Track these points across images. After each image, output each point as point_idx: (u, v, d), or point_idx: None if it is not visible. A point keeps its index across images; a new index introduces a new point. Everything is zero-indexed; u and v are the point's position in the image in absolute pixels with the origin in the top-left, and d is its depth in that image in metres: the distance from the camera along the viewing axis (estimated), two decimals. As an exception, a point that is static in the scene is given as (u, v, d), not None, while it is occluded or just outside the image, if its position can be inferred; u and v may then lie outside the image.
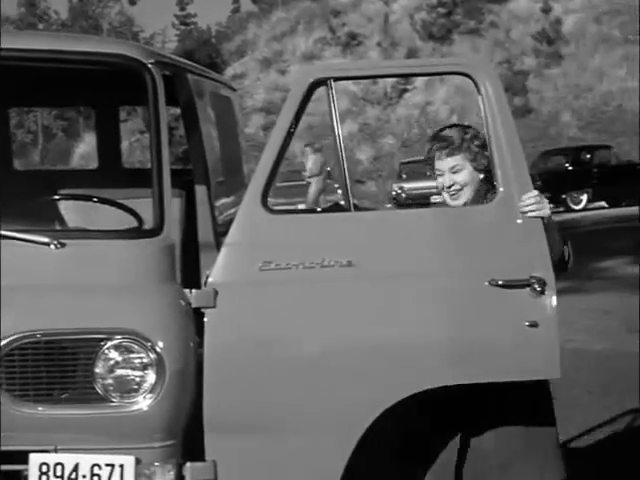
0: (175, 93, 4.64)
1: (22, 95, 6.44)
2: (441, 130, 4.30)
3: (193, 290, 3.94)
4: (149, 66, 4.15)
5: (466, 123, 4.32)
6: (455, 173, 4.18)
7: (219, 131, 5.66)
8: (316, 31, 41.96)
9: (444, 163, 4.20)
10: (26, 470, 3.81)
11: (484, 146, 4.09)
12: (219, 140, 5.61)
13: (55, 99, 7.38)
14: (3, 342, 3.76)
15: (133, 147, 33.27)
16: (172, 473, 3.85)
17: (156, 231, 3.96)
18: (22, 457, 3.81)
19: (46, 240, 3.84)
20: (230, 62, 42.71)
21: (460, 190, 4.18)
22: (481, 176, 4.19)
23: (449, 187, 4.19)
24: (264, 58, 41.36)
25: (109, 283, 3.85)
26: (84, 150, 34.92)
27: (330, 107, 4.16)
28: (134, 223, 4.44)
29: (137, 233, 4.18)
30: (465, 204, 4.18)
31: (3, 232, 3.88)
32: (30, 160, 31.94)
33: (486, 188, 4.19)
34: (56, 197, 5.44)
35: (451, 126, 4.30)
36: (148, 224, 4.11)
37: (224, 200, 5.43)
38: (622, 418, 6.95)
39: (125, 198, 4.94)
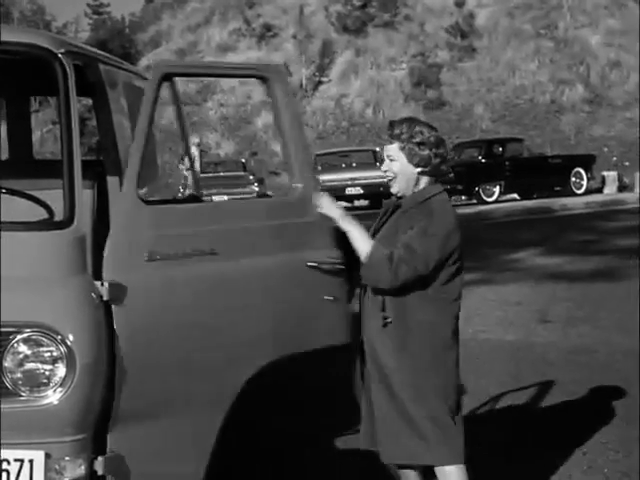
0: (87, 83, 4.58)
1: None
2: (401, 119, 4.46)
3: (105, 282, 3.90)
4: (59, 56, 4.09)
5: (424, 121, 4.44)
6: (392, 161, 4.34)
7: (132, 122, 5.61)
8: (231, 22, 41.78)
9: (385, 149, 4.39)
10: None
11: (422, 144, 4.28)
12: (132, 131, 5.56)
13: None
14: None
15: (45, 138, 32.82)
16: (83, 467, 3.81)
17: (66, 223, 3.91)
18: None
19: (-47, 232, 3.76)
20: (144, 52, 42.33)
21: (393, 179, 4.35)
22: (416, 171, 4.31)
23: (385, 172, 4.38)
24: (178, 49, 41.07)
25: (18, 275, 3.78)
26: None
27: (175, 99, 4.23)
28: (45, 215, 4.37)
29: (47, 225, 4.12)
30: (397, 193, 4.38)
31: None
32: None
33: (425, 186, 4.37)
34: (-36, 188, 5.34)
35: (408, 119, 4.44)
36: (59, 216, 4.05)
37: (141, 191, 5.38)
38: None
39: (36, 189, 4.86)
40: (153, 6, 46.27)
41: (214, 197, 27.86)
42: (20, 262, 3.82)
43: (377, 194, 27.89)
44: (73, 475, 3.79)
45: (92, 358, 3.74)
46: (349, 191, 27.92)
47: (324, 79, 38.85)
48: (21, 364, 3.71)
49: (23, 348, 3.71)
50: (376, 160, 29.45)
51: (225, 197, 27.90)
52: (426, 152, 4.29)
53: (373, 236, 4.36)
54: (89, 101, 5.07)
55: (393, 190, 4.40)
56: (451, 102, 38.07)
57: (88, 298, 3.81)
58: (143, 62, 39.93)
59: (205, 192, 27.57)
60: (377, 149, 30.53)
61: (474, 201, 28.44)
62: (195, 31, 42.24)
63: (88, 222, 4.00)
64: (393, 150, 4.35)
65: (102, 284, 3.88)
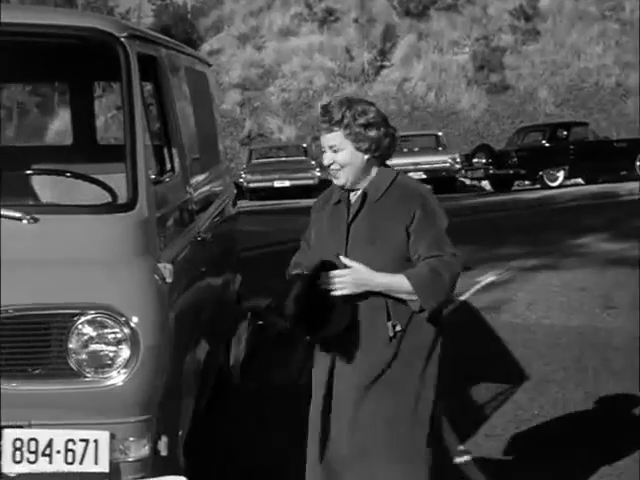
0: (149, 68, 4.61)
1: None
2: (329, 103, 3.79)
3: (167, 265, 3.93)
4: (122, 40, 4.12)
5: (358, 98, 3.80)
6: (335, 152, 3.70)
7: (194, 107, 5.63)
8: (293, 7, 41.69)
9: (324, 139, 3.72)
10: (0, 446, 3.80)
11: (369, 125, 3.66)
12: (194, 116, 5.58)
13: (29, 74, 7.33)
14: (-24, 317, 3.73)
15: (109, 124, 33.11)
16: (147, 448, 3.85)
17: (130, 205, 3.94)
18: (-4, 433, 3.80)
19: (19, 215, 3.81)
20: (206, 38, 42.45)
21: (339, 170, 3.71)
22: (366, 157, 3.70)
23: (328, 166, 3.73)
24: (240, 34, 41.10)
25: (83, 258, 3.83)
26: (58, 126, 34.66)
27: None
28: (109, 198, 4.41)
29: (111, 208, 4.15)
30: (345, 184, 3.74)
31: (-24, 207, 3.86)
32: (4, 136, 31.69)
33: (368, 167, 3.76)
34: (29, 172, 5.41)
35: (344, 99, 3.76)
36: (123, 199, 4.09)
37: (199, 176, 5.41)
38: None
39: (100, 173, 4.91)
40: (216, -9, 46.42)
41: (275, 182, 27.96)
42: (84, 244, 3.86)
43: (440, 179, 27.78)
44: (137, 455, 3.83)
45: (156, 340, 3.77)
46: (412, 175, 27.78)
47: (386, 63, 38.64)
48: (86, 346, 3.75)
49: (88, 330, 3.75)
50: (439, 144, 29.31)
51: (287, 182, 27.97)
52: (374, 133, 3.67)
53: (347, 234, 3.72)
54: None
55: (340, 182, 3.74)
56: (514, 86, 37.68)
57: (151, 280, 3.84)
58: (205, 47, 40.04)
59: (266, 177, 27.69)
60: (440, 133, 30.39)
61: (537, 186, 28.16)
62: (257, 16, 42.24)
63: (151, 205, 4.02)
64: (336, 139, 3.68)
65: (164, 266, 3.91)
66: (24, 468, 3.77)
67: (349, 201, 3.76)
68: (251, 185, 27.71)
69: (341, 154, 3.68)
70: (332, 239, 3.74)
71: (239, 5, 43.60)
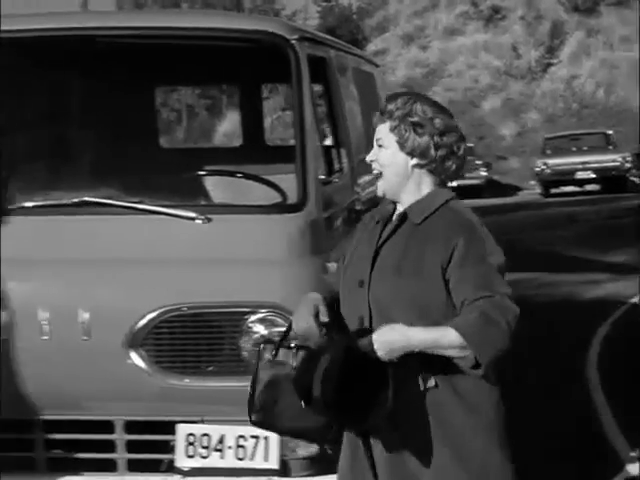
0: (318, 69, 4.65)
1: (168, 74, 6.56)
2: (401, 92, 3.30)
3: (335, 265, 3.96)
4: (293, 42, 4.17)
5: (433, 100, 3.17)
6: (380, 147, 3.11)
7: (361, 107, 5.66)
8: (458, 5, 41.43)
9: (376, 132, 3.14)
10: (173, 440, 3.90)
11: (421, 126, 3.03)
12: (361, 116, 5.61)
13: (199, 77, 7.49)
14: (151, 315, 3.85)
15: (274, 125, 33.56)
16: (315, 446, 3.88)
17: (300, 206, 3.99)
18: (169, 427, 3.90)
19: (193, 215, 3.90)
20: (371, 38, 42.59)
21: (379, 174, 3.11)
22: (411, 163, 3.05)
23: (371, 162, 3.14)
24: (405, 34, 41.10)
25: (254, 257, 3.89)
26: (226, 128, 35.33)
27: None
28: (278, 198, 4.47)
29: (281, 208, 4.21)
30: (384, 193, 3.13)
31: (151, 207, 3.97)
32: (174, 138, 32.50)
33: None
34: (202, 173, 5.53)
35: (410, 93, 3.23)
36: (292, 199, 4.13)
37: (366, 177, 5.43)
38: None
39: (269, 174, 4.98)
40: (378, -9, 46.53)
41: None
42: (255, 244, 3.92)
43: (609, 178, 27.12)
44: (306, 453, 3.87)
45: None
46: (579, 175, 27.22)
47: (554, 61, 37.98)
48: (256, 344, 3.80)
49: (258, 328, 3.81)
50: (608, 143, 28.60)
51: (452, 182, 27.78)
52: (425, 138, 3.03)
53: (374, 259, 3.06)
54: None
55: (379, 191, 3.13)
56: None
57: (320, 280, 3.87)
58: (370, 48, 40.17)
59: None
60: (609, 132, 29.65)
61: None
62: (422, 15, 42.14)
63: (320, 205, 4.06)
64: (382, 131, 3.09)
65: (333, 266, 3.94)
66: (197, 463, 3.86)
67: (388, 220, 3.13)
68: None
69: (384, 152, 3.08)
70: (357, 265, 3.12)
71: (404, 5, 43.55)
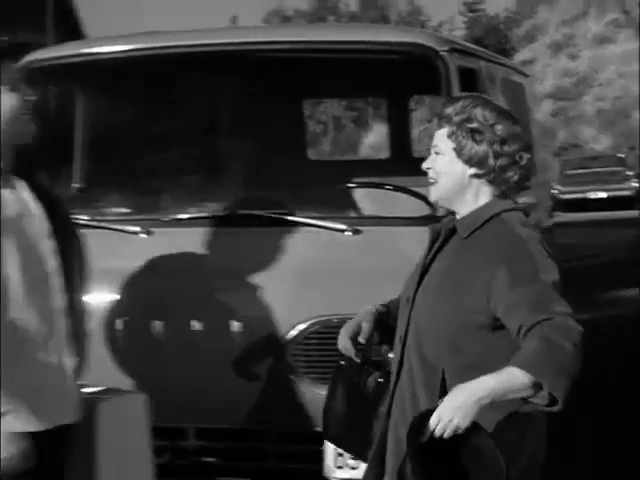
0: (467, 81, 4.62)
1: (316, 87, 6.62)
2: (461, 95, 3.19)
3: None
4: (443, 54, 4.16)
5: (500, 106, 2.96)
6: (437, 154, 2.90)
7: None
8: (609, 13, 40.70)
9: (434, 138, 2.93)
10: (323, 451, 3.92)
11: (480, 133, 2.81)
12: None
13: (347, 90, 7.54)
14: (301, 327, 3.89)
15: (421, 136, 33.56)
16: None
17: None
18: (319, 438, 3.92)
19: (343, 227, 3.93)
20: (519, 48, 42.20)
21: (435, 180, 2.90)
22: (468, 172, 2.84)
23: (427, 170, 2.92)
24: (553, 42, 40.58)
25: (403, 269, 3.88)
26: (373, 140, 35.47)
27: None
28: (427, 210, 4.46)
29: (430, 220, 4.19)
30: (437, 201, 2.98)
31: (301, 219, 4.01)
32: (321, 150, 32.83)
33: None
34: (351, 185, 5.56)
35: (471, 96, 3.00)
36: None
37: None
38: None
39: (416, 186, 4.97)
40: (529, 0, 46.03)
41: (589, 193, 27.34)
42: (404, 256, 3.90)
43: None
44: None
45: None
46: None
47: None
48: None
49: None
50: None
51: (602, 193, 27.29)
52: (483, 146, 2.80)
53: (421, 276, 2.90)
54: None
55: (432, 197, 2.94)
56: None
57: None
58: (518, 57, 39.76)
59: (579, 188, 27.22)
60: None
61: None
62: (571, 24, 41.54)
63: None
64: (439, 137, 2.88)
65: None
66: (346, 474, 3.88)
67: (443, 235, 2.93)
68: (564, 197, 27.27)
69: (440, 159, 2.87)
70: (410, 281, 2.97)
71: (553, 14, 43.02)
